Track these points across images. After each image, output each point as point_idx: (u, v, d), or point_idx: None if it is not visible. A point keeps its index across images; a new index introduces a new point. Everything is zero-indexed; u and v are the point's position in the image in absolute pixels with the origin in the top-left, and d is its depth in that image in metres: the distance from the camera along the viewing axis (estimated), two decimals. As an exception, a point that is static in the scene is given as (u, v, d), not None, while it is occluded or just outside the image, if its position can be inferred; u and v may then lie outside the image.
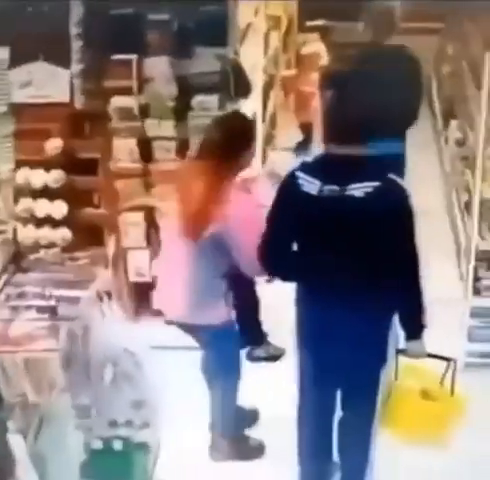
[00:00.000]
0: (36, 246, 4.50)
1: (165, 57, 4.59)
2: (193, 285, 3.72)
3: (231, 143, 3.60)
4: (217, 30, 4.65)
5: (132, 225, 4.84)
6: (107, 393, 3.34)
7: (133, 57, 4.57)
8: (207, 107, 4.59)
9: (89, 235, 4.81)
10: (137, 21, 4.66)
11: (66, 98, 4.54)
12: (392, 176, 3.25)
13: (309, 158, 3.41)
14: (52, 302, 3.35)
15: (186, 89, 4.62)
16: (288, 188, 3.33)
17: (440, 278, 5.06)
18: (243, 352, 4.40)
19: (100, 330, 3.44)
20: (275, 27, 6.76)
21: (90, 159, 4.70)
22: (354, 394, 3.55)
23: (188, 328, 3.92)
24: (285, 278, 3.56)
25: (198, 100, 4.61)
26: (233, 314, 3.89)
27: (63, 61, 4.50)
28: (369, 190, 3.16)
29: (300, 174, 3.28)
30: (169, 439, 3.64)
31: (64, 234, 4.63)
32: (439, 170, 7.02)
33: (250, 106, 5.64)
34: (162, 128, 4.66)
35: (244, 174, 3.84)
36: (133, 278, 4.99)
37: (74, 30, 4.43)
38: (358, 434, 3.56)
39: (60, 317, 3.28)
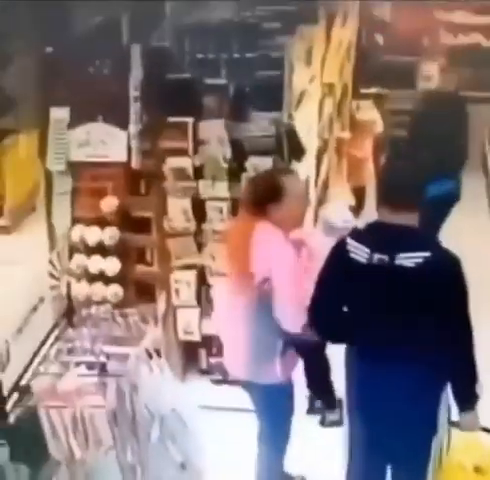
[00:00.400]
0: (88, 302, 4.53)
1: (221, 120, 4.65)
2: (248, 343, 3.67)
3: (258, 197, 3.65)
4: (273, 95, 4.70)
5: (183, 283, 4.85)
6: (153, 452, 3.30)
7: (189, 120, 4.64)
8: (261, 169, 4.62)
9: (140, 292, 4.83)
10: (194, 85, 4.75)
11: (123, 158, 4.61)
12: (443, 246, 3.22)
13: (361, 225, 3.41)
14: (102, 358, 3.35)
15: (240, 151, 4.66)
16: (338, 254, 3.33)
17: (484, 343, 4.93)
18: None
19: (148, 388, 3.42)
20: (330, 94, 6.81)
21: (144, 218, 4.75)
22: (403, 467, 3.43)
23: (246, 386, 3.87)
24: (334, 340, 3.52)
25: (252, 162, 4.64)
26: (291, 375, 3.80)
27: (121, 122, 4.59)
28: (419, 260, 3.13)
29: (350, 241, 3.28)
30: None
31: (116, 290, 4.65)
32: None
33: (303, 170, 5.66)
34: (216, 189, 4.70)
35: (296, 234, 3.85)
36: (182, 336, 4.98)
37: (133, 92, 4.53)
38: None
39: (109, 373, 3.27)
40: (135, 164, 4.61)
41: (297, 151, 4.81)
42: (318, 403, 4.81)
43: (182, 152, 4.68)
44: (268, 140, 4.65)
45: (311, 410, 4.78)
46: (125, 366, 3.31)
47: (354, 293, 3.31)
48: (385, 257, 3.17)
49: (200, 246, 4.83)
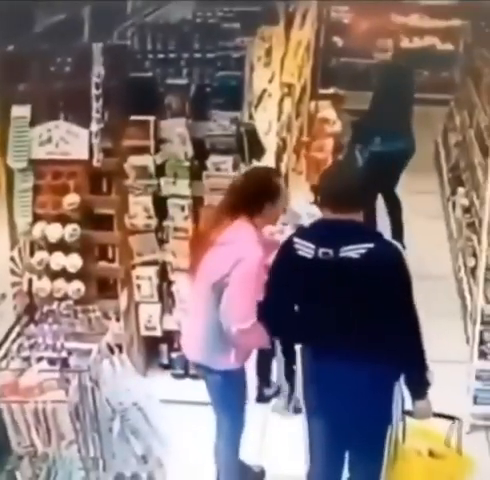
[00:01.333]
0: (50, 298, 4.49)
1: (182, 119, 4.66)
2: (205, 330, 3.70)
3: (253, 191, 3.66)
4: (233, 95, 4.72)
5: (145, 279, 4.85)
6: (114, 446, 3.30)
7: (151, 118, 4.64)
8: (221, 168, 4.64)
9: (102, 288, 4.81)
10: (155, 84, 4.75)
11: (85, 156, 4.58)
12: (385, 237, 3.29)
13: (306, 224, 3.48)
14: (63, 354, 3.34)
15: (202, 150, 4.68)
16: (285, 252, 3.38)
17: (447, 341, 5.03)
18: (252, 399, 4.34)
19: (110, 383, 3.41)
20: (289, 94, 6.85)
21: (106, 215, 4.73)
22: (361, 455, 3.49)
23: (202, 372, 3.89)
24: (286, 339, 3.55)
25: (213, 161, 4.66)
26: (244, 364, 3.82)
27: (83, 120, 4.56)
28: (362, 251, 3.18)
29: (296, 239, 3.33)
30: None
31: (78, 287, 4.62)
32: (446, 236, 7.03)
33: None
34: (177, 187, 4.71)
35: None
36: (144, 332, 4.97)
37: (94, 91, 4.50)
38: None
39: (71, 369, 3.26)
40: (97, 162, 4.59)
41: (257, 150, 4.84)
42: (268, 391, 4.82)
43: (144, 150, 4.67)
44: (229, 139, 4.67)
45: (261, 398, 4.78)
46: (87, 361, 3.30)
47: (303, 290, 3.35)
48: (330, 251, 3.22)
49: (161, 243, 4.83)
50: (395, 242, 3.31)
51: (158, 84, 4.76)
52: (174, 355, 5.07)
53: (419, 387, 3.35)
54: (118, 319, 4.71)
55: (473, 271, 5.39)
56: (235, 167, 4.68)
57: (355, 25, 9.31)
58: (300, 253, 3.29)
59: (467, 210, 6.34)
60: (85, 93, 4.51)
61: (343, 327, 3.25)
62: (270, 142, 5.89)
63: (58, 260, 4.64)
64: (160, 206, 4.76)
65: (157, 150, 4.68)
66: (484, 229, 4.60)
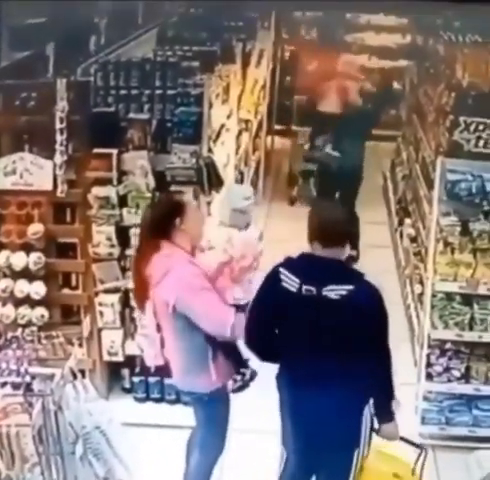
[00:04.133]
0: (14, 325, 4.44)
1: (144, 152, 4.68)
2: (179, 356, 3.69)
3: (162, 216, 3.69)
4: (192, 129, 4.76)
5: (107, 306, 4.81)
6: (77, 468, 3.25)
7: (113, 151, 4.65)
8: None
9: (66, 315, 4.77)
10: (118, 119, 4.77)
11: (49, 186, 4.57)
12: (366, 279, 3.33)
13: (294, 255, 3.44)
14: (27, 379, 3.30)
15: (163, 182, 4.69)
16: (271, 282, 3.38)
17: (396, 363, 5.05)
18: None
19: (73, 407, 3.38)
20: (246, 129, 6.94)
21: (70, 243, 4.71)
22: (328, 475, 3.50)
23: (190, 396, 3.86)
24: (266, 360, 3.54)
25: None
26: (226, 381, 3.78)
27: (47, 152, 4.56)
28: (343, 293, 3.24)
29: (283, 270, 3.34)
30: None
31: (42, 313, 4.58)
32: (395, 264, 7.13)
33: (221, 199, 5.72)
34: (139, 216, 4.70)
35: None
36: (106, 357, 4.93)
37: (58, 125, 4.50)
38: None
39: (34, 393, 3.22)
40: (61, 193, 4.58)
41: (216, 182, 4.88)
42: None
43: (107, 182, 4.67)
44: (189, 171, 4.70)
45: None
46: (50, 386, 3.26)
47: (285, 319, 3.36)
48: (313, 289, 3.26)
49: (124, 270, 4.81)
50: (373, 284, 3.34)
51: (120, 118, 4.78)
52: (136, 379, 5.03)
53: (387, 413, 3.42)
54: (81, 345, 4.67)
55: (420, 297, 5.46)
56: (195, 198, 4.70)
57: (307, 65, 9.45)
58: (285, 285, 3.30)
59: (414, 239, 6.44)
60: (49, 126, 4.51)
61: (320, 356, 3.29)
62: (228, 174, 5.94)
63: (22, 287, 4.59)
64: (123, 235, 4.76)
65: (120, 182, 4.68)
66: (430, 257, 4.68)
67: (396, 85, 10.01)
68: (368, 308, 3.25)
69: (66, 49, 5.67)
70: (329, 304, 3.24)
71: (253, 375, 3.86)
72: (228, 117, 6.09)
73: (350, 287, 3.24)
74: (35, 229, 4.57)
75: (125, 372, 5.07)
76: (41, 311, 4.59)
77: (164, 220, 3.66)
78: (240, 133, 6.65)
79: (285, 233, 6.26)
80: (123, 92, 4.93)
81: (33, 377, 3.32)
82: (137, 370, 5.01)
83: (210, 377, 3.66)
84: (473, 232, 4.60)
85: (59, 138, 4.52)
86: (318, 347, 3.29)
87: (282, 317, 3.36)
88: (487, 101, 5.10)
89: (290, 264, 3.37)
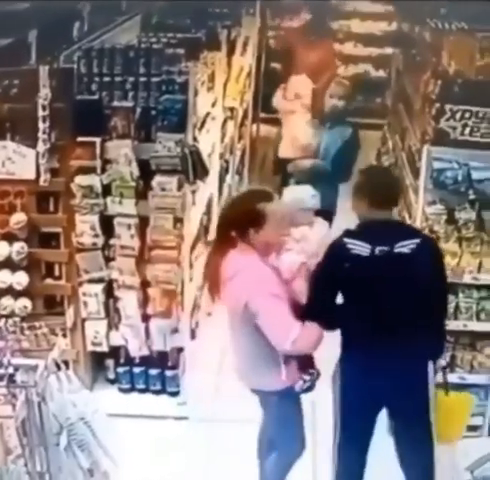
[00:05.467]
0: (-4, 315, 4.42)
1: (128, 141, 4.64)
2: (249, 356, 3.67)
3: (238, 222, 3.58)
4: (177, 118, 4.73)
5: (91, 296, 4.80)
6: (61, 460, 3.24)
7: (97, 140, 4.61)
8: (166, 188, 4.64)
9: (49, 305, 4.75)
10: (101, 106, 4.73)
11: (32, 176, 4.54)
12: (424, 233, 3.82)
13: (351, 227, 3.76)
14: (10, 370, 3.28)
15: (147, 170, 4.67)
16: (336, 252, 3.65)
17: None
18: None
19: (56, 398, 3.36)
20: (231, 117, 6.90)
21: (53, 233, 4.68)
22: (404, 413, 3.77)
23: (259, 394, 3.81)
24: (330, 328, 3.68)
25: (158, 181, 4.65)
26: (297, 379, 3.71)
27: (30, 141, 4.52)
28: (413, 246, 3.59)
29: (348, 240, 3.62)
30: (121, 507, 3.53)
31: (24, 304, 4.56)
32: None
33: (207, 190, 5.71)
34: (123, 206, 4.68)
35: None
36: (90, 347, 4.91)
37: (41, 112, 4.46)
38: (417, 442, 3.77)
39: (17, 385, 3.20)
40: (44, 182, 4.54)
41: (201, 171, 4.85)
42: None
43: (90, 170, 4.64)
44: (173, 160, 4.66)
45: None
46: (33, 377, 3.24)
47: (353, 284, 3.60)
48: (386, 248, 3.57)
49: (108, 260, 4.79)
50: (432, 236, 3.88)
51: (104, 106, 4.74)
52: (120, 370, 5.03)
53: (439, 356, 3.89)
54: (65, 335, 4.65)
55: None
56: (179, 187, 4.68)
57: (292, 53, 9.39)
58: (354, 252, 3.57)
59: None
60: (32, 114, 4.47)
61: (388, 314, 3.56)
62: (214, 163, 5.92)
63: (5, 278, 4.57)
64: (106, 225, 4.73)
65: (103, 170, 4.65)
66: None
67: (382, 73, 10.03)
68: (435, 257, 3.70)
69: (49, 36, 5.60)
70: (401, 259, 3.57)
71: (318, 375, 3.81)
72: (213, 105, 6.06)
73: (417, 240, 3.61)
74: (18, 219, 4.54)
75: (109, 363, 5.07)
76: (24, 302, 4.57)
77: (239, 226, 3.57)
78: (225, 121, 6.61)
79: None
80: (107, 79, 4.87)
81: (16, 368, 3.29)
82: (122, 361, 5.00)
83: (280, 376, 3.63)
84: (459, 221, 4.61)
85: (42, 126, 4.49)
86: (387, 306, 3.56)
87: (350, 282, 3.60)
88: (473, 89, 5.09)
89: (353, 233, 3.66)
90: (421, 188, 4.66)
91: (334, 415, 3.82)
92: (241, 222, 3.57)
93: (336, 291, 3.68)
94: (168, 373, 4.98)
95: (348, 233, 3.69)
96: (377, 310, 3.59)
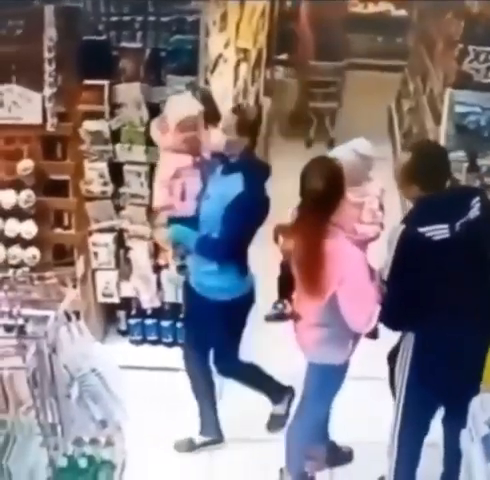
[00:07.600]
0: (5, 265, 4.43)
1: (137, 84, 4.58)
2: (319, 325, 3.64)
3: (328, 190, 3.42)
4: (188, 59, 4.66)
5: (101, 246, 4.80)
6: (73, 411, 3.28)
7: (105, 83, 4.56)
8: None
9: (58, 255, 4.75)
10: (109, 48, 4.66)
11: (38, 120, 4.49)
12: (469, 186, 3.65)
13: (411, 214, 3.45)
14: (20, 321, 3.29)
15: (157, 115, 4.61)
16: (415, 245, 3.32)
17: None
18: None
19: (67, 349, 3.38)
20: (245, 59, 6.80)
21: (61, 181, 4.65)
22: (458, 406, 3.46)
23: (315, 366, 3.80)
24: (408, 330, 3.52)
25: (168, 126, 4.60)
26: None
27: (36, 84, 4.47)
28: (479, 204, 3.35)
29: (423, 229, 3.29)
30: (134, 457, 3.58)
31: (33, 254, 4.56)
32: (400, 204, 7.11)
33: (218, 134, 5.64)
34: (133, 153, 4.65)
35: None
36: (101, 298, 4.94)
37: (47, 54, 4.40)
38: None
39: (28, 336, 3.22)
40: (51, 127, 4.50)
41: (213, 115, 4.78)
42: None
43: (98, 115, 4.60)
44: (184, 104, 4.60)
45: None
46: (44, 328, 3.26)
47: (435, 273, 3.33)
48: (464, 219, 3.31)
49: (118, 209, 4.78)
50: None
51: (112, 47, 4.67)
52: (132, 321, 5.06)
53: None
54: (75, 286, 4.66)
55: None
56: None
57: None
58: (437, 238, 3.28)
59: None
60: (38, 56, 4.40)
61: (468, 296, 3.33)
62: (226, 108, 5.84)
63: (13, 227, 4.57)
64: (116, 172, 4.70)
65: (112, 115, 4.61)
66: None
67: (403, 12, 9.82)
68: None
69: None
70: (478, 223, 3.32)
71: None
72: (226, 46, 5.96)
73: (477, 198, 3.37)
74: (25, 165, 4.51)
75: (121, 314, 5.10)
76: (33, 251, 4.57)
77: (314, 210, 3.44)
78: (238, 63, 6.51)
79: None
80: (114, 19, 4.80)
81: (26, 319, 3.31)
82: (133, 312, 5.03)
83: (347, 349, 3.66)
84: (481, 168, 4.56)
85: (48, 68, 4.43)
86: (462, 284, 3.32)
87: (433, 271, 3.32)
88: (499, 29, 4.99)
89: (418, 219, 3.35)
90: (442, 133, 4.60)
91: (395, 407, 3.64)
92: (315, 207, 3.42)
93: (416, 286, 3.35)
94: (180, 325, 5.02)
95: (416, 221, 3.35)
96: (462, 288, 3.34)
